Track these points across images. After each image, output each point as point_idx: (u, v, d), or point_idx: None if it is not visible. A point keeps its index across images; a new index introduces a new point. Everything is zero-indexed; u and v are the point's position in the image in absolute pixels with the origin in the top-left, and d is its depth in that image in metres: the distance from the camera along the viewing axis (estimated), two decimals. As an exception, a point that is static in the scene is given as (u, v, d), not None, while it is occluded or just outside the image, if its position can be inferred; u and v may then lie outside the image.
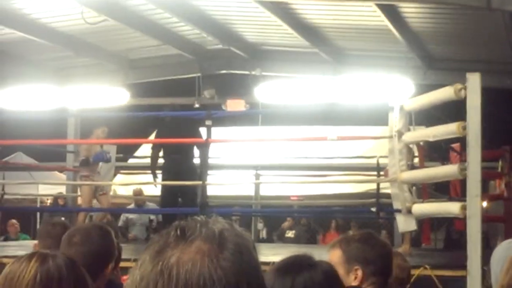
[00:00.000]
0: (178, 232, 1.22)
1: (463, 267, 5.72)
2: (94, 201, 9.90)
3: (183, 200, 9.17)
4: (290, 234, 14.36)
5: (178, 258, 1.19)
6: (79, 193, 11.62)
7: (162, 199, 9.56)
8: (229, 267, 1.19)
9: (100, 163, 9.76)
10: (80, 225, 5.05)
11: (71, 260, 2.12)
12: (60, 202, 13.04)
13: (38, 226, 14.61)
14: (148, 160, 9.99)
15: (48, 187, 14.20)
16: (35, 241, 5.02)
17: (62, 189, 13.05)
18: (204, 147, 8.43)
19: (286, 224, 14.83)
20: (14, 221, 13.48)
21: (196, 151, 9.29)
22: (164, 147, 9.58)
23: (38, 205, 15.48)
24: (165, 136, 9.57)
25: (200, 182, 8.19)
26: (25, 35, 10.77)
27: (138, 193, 12.20)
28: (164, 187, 9.47)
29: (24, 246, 9.00)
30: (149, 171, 9.89)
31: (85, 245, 3.09)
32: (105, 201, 9.72)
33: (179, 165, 9.03)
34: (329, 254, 2.93)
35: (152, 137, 13.92)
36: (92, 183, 9.39)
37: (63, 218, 12.66)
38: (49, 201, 15.69)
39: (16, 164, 13.67)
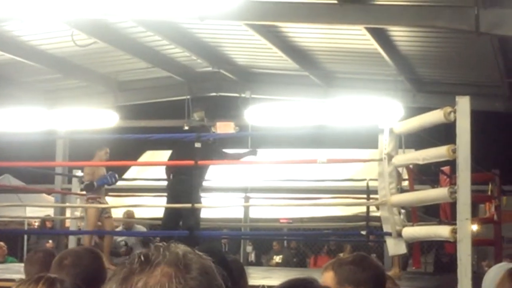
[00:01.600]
0: (142, 258, 1.23)
1: (454, 291, 5.70)
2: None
3: (183, 223, 9.01)
4: (277, 259, 14.25)
5: (145, 282, 1.19)
6: (67, 215, 11.56)
7: (163, 221, 9.36)
8: (198, 286, 1.20)
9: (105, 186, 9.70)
10: (71, 248, 5.02)
11: (78, 285, 2.10)
12: (48, 224, 12.96)
13: (25, 249, 14.50)
14: (137, 183, 9.92)
15: (36, 209, 14.11)
16: (22, 264, 4.97)
17: (50, 212, 12.97)
18: (194, 169, 8.38)
19: (274, 249, 14.73)
20: (1, 243, 13.37)
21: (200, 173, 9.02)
22: (172, 168, 9.32)
23: (26, 227, 15.37)
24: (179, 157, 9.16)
25: (190, 205, 8.14)
26: (14, 57, 10.76)
27: (130, 215, 12.13)
28: (166, 209, 9.31)
29: (11, 270, 8.91)
30: (137, 194, 9.80)
31: (76, 267, 3.06)
32: (108, 223, 9.64)
33: (181, 187, 8.80)
34: (322, 276, 2.91)
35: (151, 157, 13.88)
36: (76, 205, 9.31)
37: (50, 241, 12.64)
38: (36, 224, 15.58)
39: (3, 186, 13.59)
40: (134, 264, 1.22)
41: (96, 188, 9.38)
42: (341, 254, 13.96)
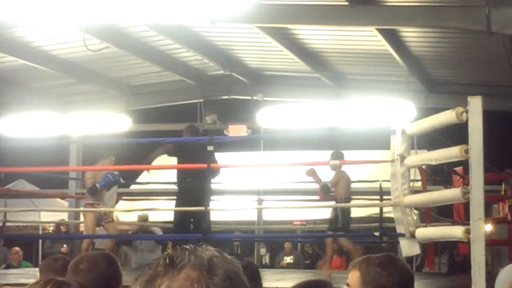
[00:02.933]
0: (167, 261, 1.23)
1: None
2: (99, 229, 9.84)
3: (194, 225, 9.00)
4: (288, 259, 14.22)
5: (167, 286, 1.20)
6: (81, 220, 11.60)
7: (174, 224, 9.33)
8: None
9: (107, 190, 9.68)
10: (87, 253, 5.04)
11: None
12: (63, 229, 13.00)
13: (40, 254, 14.55)
14: (150, 186, 9.92)
15: (50, 214, 14.16)
16: (37, 269, 5.00)
17: (64, 216, 13.02)
18: (206, 172, 8.40)
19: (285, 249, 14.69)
20: (17, 248, 13.42)
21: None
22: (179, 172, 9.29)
23: (40, 232, 15.43)
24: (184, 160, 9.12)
25: (203, 208, 8.17)
26: (27, 62, 10.82)
27: (144, 219, 12.18)
28: (176, 212, 9.25)
29: (26, 274, 8.97)
30: (151, 197, 9.79)
31: (92, 272, 3.07)
32: (111, 228, 9.65)
33: (192, 189, 8.78)
34: (349, 274, 2.89)
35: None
36: (94, 209, 9.30)
37: (65, 245, 12.68)
38: (51, 228, 15.63)
39: (18, 191, 13.65)
40: (159, 267, 1.23)
41: (99, 191, 9.31)
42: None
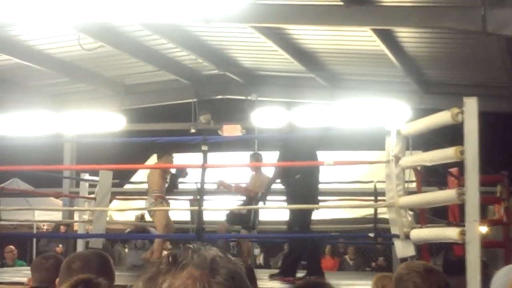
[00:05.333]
0: (170, 259, 1.24)
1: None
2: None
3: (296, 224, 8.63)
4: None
5: (170, 284, 1.20)
6: (75, 218, 11.56)
7: (298, 223, 8.86)
8: None
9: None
10: (79, 252, 5.01)
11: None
12: (62, 229, 12.95)
13: (34, 252, 14.52)
14: (144, 186, 9.85)
15: (44, 213, 14.13)
16: (29, 267, 4.97)
17: (58, 215, 12.98)
18: (200, 172, 8.37)
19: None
20: (11, 247, 13.40)
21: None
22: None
23: (35, 231, 15.39)
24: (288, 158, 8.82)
25: (196, 208, 8.13)
26: (21, 61, 10.79)
27: (139, 217, 12.18)
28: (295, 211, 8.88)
29: (20, 272, 8.93)
30: (145, 197, 9.69)
31: (85, 271, 3.05)
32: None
33: (296, 187, 8.51)
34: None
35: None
36: (88, 209, 9.25)
37: (60, 245, 12.65)
38: (45, 227, 15.59)
39: (12, 190, 13.60)
40: (162, 264, 1.24)
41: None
42: (346, 257, 13.89)
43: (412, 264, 2.80)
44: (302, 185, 8.31)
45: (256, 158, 9.37)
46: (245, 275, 1.27)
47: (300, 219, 8.42)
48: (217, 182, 9.41)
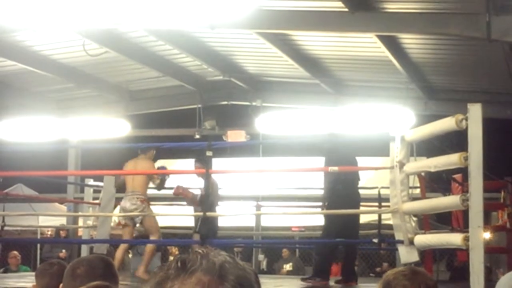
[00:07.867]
0: (179, 264, 1.22)
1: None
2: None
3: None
4: (287, 267, 14.18)
5: None
6: (80, 224, 11.57)
7: (332, 232, 8.76)
8: None
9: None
10: (83, 257, 5.03)
11: None
12: (62, 234, 12.97)
13: (38, 258, 14.53)
14: (149, 192, 9.86)
15: (49, 218, 14.15)
16: (33, 273, 4.99)
17: (63, 221, 13.00)
18: (205, 178, 8.39)
19: (283, 256, 14.61)
20: (15, 252, 13.41)
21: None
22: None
23: (39, 236, 15.41)
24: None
25: (201, 213, 8.15)
26: (26, 67, 10.81)
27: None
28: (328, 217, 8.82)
29: (24, 278, 8.95)
30: (152, 203, 9.70)
31: (90, 276, 3.06)
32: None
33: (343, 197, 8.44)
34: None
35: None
36: (91, 214, 9.27)
37: (63, 251, 12.66)
38: (49, 233, 15.61)
39: (16, 195, 13.63)
40: (171, 269, 1.22)
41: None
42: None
43: (397, 269, 2.80)
44: (344, 195, 8.33)
45: (201, 162, 9.14)
46: (254, 280, 1.25)
47: (337, 225, 8.41)
48: (176, 189, 9.49)
